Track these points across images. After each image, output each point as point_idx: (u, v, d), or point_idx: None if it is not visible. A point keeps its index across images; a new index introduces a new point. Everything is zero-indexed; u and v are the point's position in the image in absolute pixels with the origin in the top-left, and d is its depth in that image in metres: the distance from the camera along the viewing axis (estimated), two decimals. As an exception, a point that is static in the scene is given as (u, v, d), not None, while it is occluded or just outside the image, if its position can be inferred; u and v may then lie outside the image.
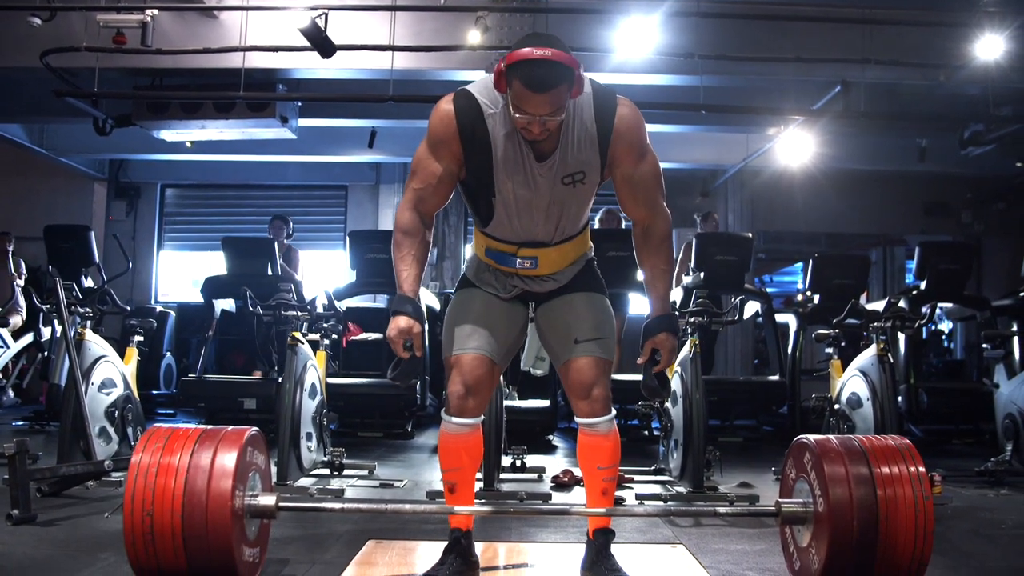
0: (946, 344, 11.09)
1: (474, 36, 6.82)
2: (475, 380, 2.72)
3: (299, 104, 8.11)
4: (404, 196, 2.73)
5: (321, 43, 6.33)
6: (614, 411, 2.80)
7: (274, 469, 4.34)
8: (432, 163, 2.65)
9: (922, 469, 2.69)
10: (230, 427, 2.76)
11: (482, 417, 2.81)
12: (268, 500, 2.77)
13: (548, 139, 2.56)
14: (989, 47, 6.55)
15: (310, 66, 7.06)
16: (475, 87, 2.63)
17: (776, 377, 7.25)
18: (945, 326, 10.79)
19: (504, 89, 2.48)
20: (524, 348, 3.03)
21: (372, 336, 8.29)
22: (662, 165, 2.76)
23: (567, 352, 2.79)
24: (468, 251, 10.31)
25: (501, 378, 4.54)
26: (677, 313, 5.36)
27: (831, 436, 2.87)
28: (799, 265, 13.18)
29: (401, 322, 2.63)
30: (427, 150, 2.66)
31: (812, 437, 2.84)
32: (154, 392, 8.13)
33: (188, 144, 9.08)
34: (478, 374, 2.72)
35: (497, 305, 2.84)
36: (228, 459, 2.62)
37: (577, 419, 2.81)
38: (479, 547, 3.26)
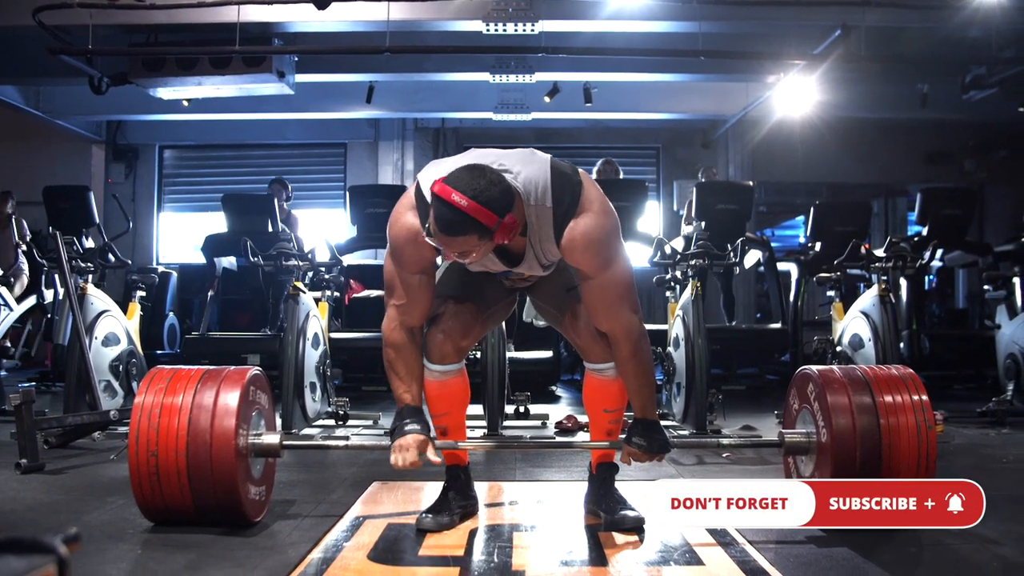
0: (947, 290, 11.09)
1: (471, -16, 6.75)
2: (457, 326, 2.67)
3: (296, 59, 8.03)
4: (387, 314, 2.60)
5: (316, -6, 6.27)
6: None
7: (279, 422, 4.35)
8: (408, 276, 2.55)
9: (925, 397, 2.70)
10: (232, 367, 2.77)
11: (463, 361, 2.76)
12: (272, 439, 2.80)
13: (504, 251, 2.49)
14: (992, -14, 6.45)
15: (305, 19, 7.00)
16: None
17: (778, 325, 7.25)
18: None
19: None
20: (526, 303, 3.03)
21: (374, 293, 8.29)
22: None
23: (565, 301, 2.74)
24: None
25: (504, 325, 4.56)
26: (676, 276, 5.33)
27: (834, 367, 2.87)
28: (801, 218, 13.13)
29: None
30: (399, 265, 2.56)
31: (815, 368, 2.85)
32: (158, 352, 8.14)
33: (185, 103, 9.00)
34: (461, 319, 2.67)
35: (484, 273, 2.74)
36: (231, 398, 2.64)
37: (586, 363, 2.78)
38: (484, 486, 3.30)
